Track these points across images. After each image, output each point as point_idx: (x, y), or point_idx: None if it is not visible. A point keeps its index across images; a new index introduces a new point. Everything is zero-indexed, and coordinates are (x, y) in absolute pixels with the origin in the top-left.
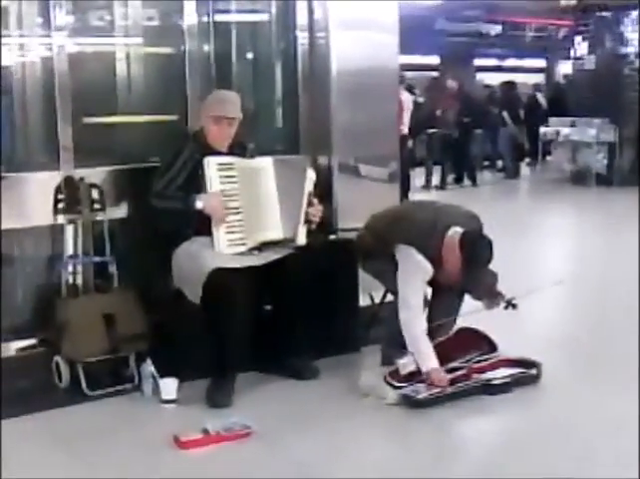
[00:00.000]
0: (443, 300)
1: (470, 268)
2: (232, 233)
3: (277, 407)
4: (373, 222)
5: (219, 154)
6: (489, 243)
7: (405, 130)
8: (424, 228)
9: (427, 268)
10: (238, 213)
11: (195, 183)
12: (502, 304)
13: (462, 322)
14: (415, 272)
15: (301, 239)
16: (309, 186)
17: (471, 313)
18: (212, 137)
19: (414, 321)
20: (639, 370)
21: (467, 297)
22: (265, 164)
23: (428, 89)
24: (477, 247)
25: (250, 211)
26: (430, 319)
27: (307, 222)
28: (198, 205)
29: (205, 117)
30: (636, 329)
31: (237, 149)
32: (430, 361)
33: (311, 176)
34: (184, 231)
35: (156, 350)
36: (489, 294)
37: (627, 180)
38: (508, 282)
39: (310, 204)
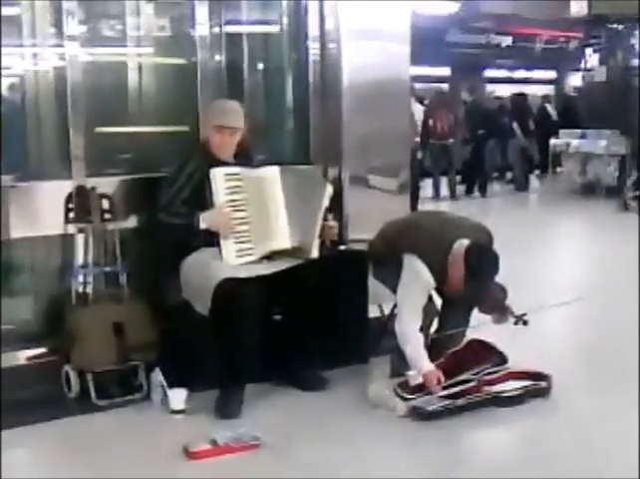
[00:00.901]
0: (453, 311)
1: (473, 281)
2: (241, 243)
3: (286, 418)
4: (385, 229)
5: (225, 164)
6: (496, 257)
7: (415, 140)
8: (431, 238)
9: (428, 280)
10: (246, 223)
11: (202, 195)
12: (512, 320)
13: (471, 334)
14: (415, 282)
15: (314, 253)
16: (326, 201)
17: (480, 326)
18: (215, 147)
19: (405, 326)
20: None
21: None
22: (272, 173)
23: (430, 101)
24: (481, 261)
25: (258, 220)
26: (439, 329)
27: (320, 236)
28: (202, 225)
29: (208, 127)
30: None
31: (243, 158)
32: (422, 363)
33: (329, 190)
34: (193, 242)
35: (165, 360)
36: (498, 309)
37: None
38: (519, 296)
39: (325, 218)
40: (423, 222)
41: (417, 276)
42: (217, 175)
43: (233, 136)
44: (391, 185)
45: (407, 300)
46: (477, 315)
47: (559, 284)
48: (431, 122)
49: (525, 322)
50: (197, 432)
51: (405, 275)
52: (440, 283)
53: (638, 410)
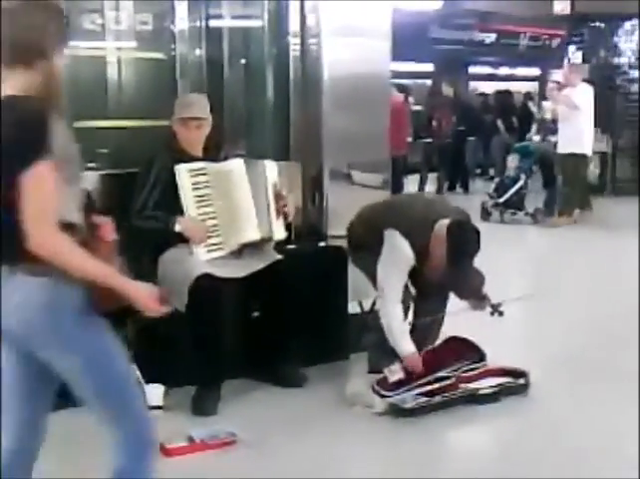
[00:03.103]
0: (428, 301)
1: (456, 258)
2: (209, 237)
3: (263, 415)
4: (364, 210)
5: (193, 159)
6: (477, 233)
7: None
8: (414, 217)
9: (409, 256)
10: (214, 217)
11: (173, 192)
12: (489, 309)
13: (450, 321)
14: (396, 259)
15: (278, 234)
16: (271, 180)
17: (458, 312)
18: (183, 141)
19: (389, 306)
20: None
21: (453, 300)
22: (236, 165)
23: (428, 97)
24: (463, 237)
25: (226, 214)
26: (415, 319)
27: (283, 215)
28: (177, 227)
29: (174, 121)
30: (627, 337)
31: (212, 152)
32: (405, 346)
33: (271, 170)
34: (169, 237)
35: (141, 356)
36: (476, 295)
37: (619, 189)
38: (498, 290)
39: (279, 197)
40: (404, 202)
41: (398, 252)
42: (182, 171)
43: (200, 129)
44: (375, 180)
45: (389, 280)
46: (455, 302)
47: (541, 278)
48: (434, 123)
49: (501, 313)
50: (174, 429)
51: (386, 252)
52: (420, 263)
53: (638, 410)
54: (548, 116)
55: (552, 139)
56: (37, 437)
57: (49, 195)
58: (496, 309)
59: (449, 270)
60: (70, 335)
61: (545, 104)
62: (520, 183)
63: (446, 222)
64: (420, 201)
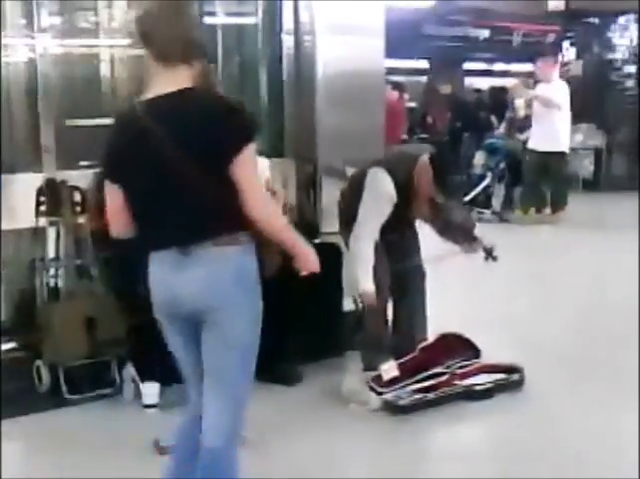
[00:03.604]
0: (401, 244)
1: (442, 181)
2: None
3: (259, 412)
4: (354, 173)
5: None
6: (457, 157)
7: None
8: (396, 155)
9: (390, 192)
10: None
11: None
12: (482, 254)
13: (437, 264)
14: (377, 195)
15: None
16: (263, 177)
17: (446, 257)
18: None
19: (361, 242)
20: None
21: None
22: None
23: (423, 94)
24: (445, 160)
25: None
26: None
27: None
28: None
29: None
30: (621, 335)
31: None
32: (366, 284)
33: (263, 167)
34: None
35: (137, 354)
36: (467, 237)
37: (614, 185)
38: (498, 284)
39: (272, 193)
40: (387, 152)
41: (380, 187)
42: None
43: None
44: None
45: (367, 221)
46: (445, 247)
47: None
48: (429, 120)
49: (495, 258)
50: (170, 426)
51: (367, 188)
52: (404, 200)
53: (638, 409)
54: (522, 113)
55: (521, 136)
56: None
57: (258, 168)
58: (490, 254)
59: (437, 205)
60: (245, 301)
61: (518, 101)
62: (487, 181)
63: (427, 154)
64: (402, 148)
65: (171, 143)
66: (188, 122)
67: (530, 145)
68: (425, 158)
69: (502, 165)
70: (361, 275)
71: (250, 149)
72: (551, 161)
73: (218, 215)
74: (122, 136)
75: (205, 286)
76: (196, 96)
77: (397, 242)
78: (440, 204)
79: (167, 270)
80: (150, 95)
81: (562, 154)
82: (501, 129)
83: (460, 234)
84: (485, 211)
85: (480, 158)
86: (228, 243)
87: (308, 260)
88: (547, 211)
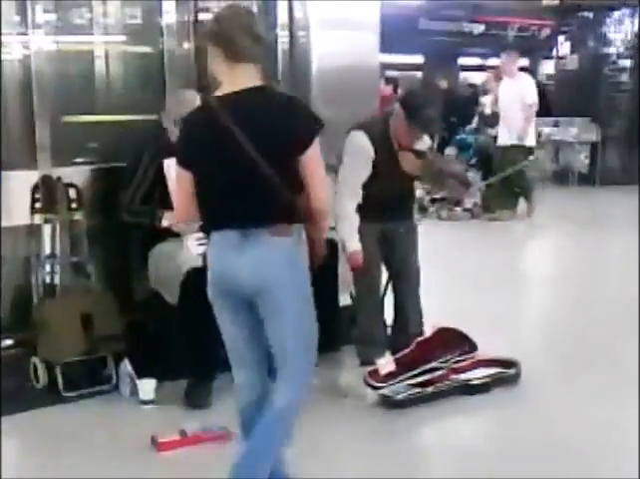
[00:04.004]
0: (396, 208)
1: (416, 117)
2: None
3: None
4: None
5: None
6: (436, 91)
7: None
8: (375, 116)
9: (368, 150)
10: None
11: (160, 187)
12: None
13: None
14: (355, 153)
15: None
16: None
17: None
18: (175, 136)
19: (344, 200)
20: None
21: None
22: None
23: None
24: (416, 95)
25: None
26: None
27: None
28: (164, 223)
29: (167, 120)
30: (618, 328)
31: None
32: (353, 243)
33: None
34: (160, 231)
35: (133, 351)
36: (460, 183)
37: (609, 179)
38: (496, 279)
39: None
40: None
41: (355, 145)
42: (171, 166)
43: None
44: None
45: (347, 180)
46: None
47: (533, 270)
48: None
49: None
50: (167, 423)
51: (345, 152)
52: (386, 155)
53: (638, 402)
54: (488, 110)
55: (492, 131)
56: (266, 385)
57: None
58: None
59: (424, 155)
60: (299, 286)
61: (485, 97)
62: None
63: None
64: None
65: (244, 136)
66: (261, 117)
67: (499, 141)
68: (397, 107)
69: (473, 161)
70: (347, 235)
71: (316, 144)
72: (515, 155)
73: (278, 204)
74: (197, 127)
75: (262, 268)
76: (267, 93)
77: (395, 232)
78: (425, 153)
79: (228, 251)
80: (222, 91)
81: (526, 148)
82: (473, 124)
83: (452, 181)
84: (457, 208)
85: (450, 153)
86: (283, 233)
87: (319, 253)
88: (522, 207)
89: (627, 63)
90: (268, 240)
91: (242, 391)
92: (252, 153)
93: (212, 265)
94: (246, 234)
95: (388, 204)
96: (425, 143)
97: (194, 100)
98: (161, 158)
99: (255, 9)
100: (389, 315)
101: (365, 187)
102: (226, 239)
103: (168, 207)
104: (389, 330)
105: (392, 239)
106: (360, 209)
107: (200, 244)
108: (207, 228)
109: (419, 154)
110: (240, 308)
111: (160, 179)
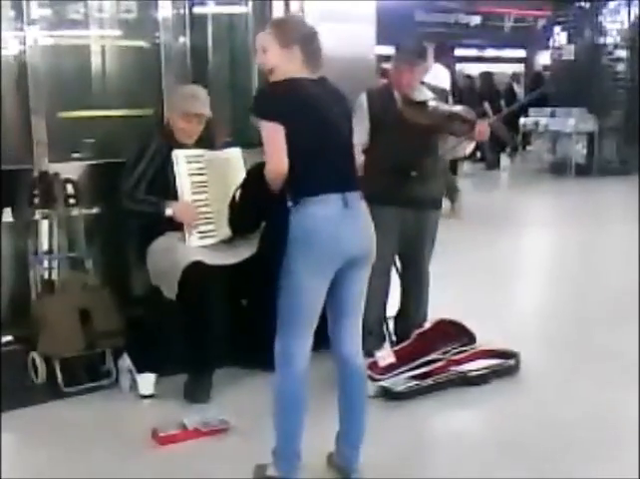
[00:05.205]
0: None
1: (404, 47)
2: (202, 224)
3: (255, 402)
4: None
5: (186, 147)
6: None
7: None
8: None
9: (362, 101)
10: (208, 205)
11: (165, 178)
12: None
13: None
14: (357, 109)
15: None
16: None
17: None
18: (180, 132)
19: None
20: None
21: None
22: (234, 154)
23: None
24: (408, 45)
25: (220, 201)
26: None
27: None
28: (168, 212)
29: (173, 112)
30: (617, 320)
31: (204, 142)
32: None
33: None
34: (159, 226)
35: (133, 346)
36: (470, 123)
37: (606, 169)
38: (494, 270)
39: None
40: None
41: (357, 104)
42: (180, 156)
43: (200, 123)
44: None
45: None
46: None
47: (533, 260)
48: None
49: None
50: (167, 417)
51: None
52: (389, 109)
53: (638, 393)
54: None
55: None
56: None
57: None
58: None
59: (426, 107)
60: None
61: None
62: None
63: None
64: None
65: (332, 109)
66: (338, 100)
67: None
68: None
69: None
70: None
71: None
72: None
73: (356, 173)
74: (305, 94)
75: (368, 229)
76: (330, 83)
77: (418, 221)
78: (426, 102)
79: (336, 215)
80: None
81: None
82: None
83: (461, 122)
84: None
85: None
86: (361, 196)
87: None
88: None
89: (623, 53)
90: (361, 204)
91: (298, 360)
92: (339, 124)
93: (319, 229)
94: (347, 198)
95: (409, 167)
96: (425, 94)
97: (205, 98)
98: (168, 149)
99: (251, 3)
100: (390, 309)
101: (379, 142)
102: (332, 203)
103: (171, 198)
104: (390, 322)
105: (413, 228)
106: (383, 174)
107: (202, 238)
108: (308, 191)
109: (420, 104)
110: (332, 273)
111: (165, 170)
